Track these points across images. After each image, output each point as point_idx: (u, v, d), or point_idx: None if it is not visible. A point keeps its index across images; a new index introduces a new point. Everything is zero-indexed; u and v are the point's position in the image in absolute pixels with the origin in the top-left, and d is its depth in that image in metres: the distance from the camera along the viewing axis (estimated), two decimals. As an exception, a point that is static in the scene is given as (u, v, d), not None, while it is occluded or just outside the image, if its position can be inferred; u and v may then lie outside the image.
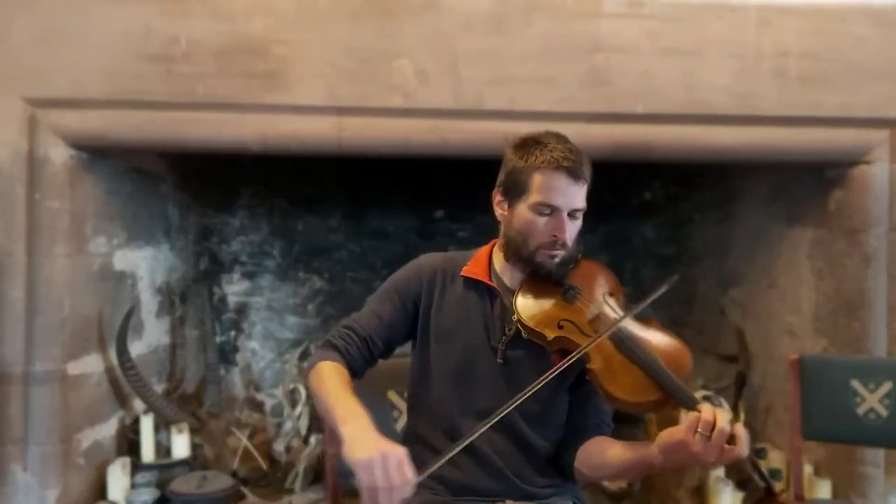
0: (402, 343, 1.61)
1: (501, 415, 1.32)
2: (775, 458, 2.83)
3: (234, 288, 3.50)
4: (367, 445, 1.22)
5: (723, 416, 1.25)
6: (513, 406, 1.33)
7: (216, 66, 2.41)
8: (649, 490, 2.87)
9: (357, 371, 1.52)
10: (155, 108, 2.43)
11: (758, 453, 2.79)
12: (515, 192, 1.50)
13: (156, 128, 2.45)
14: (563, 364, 1.36)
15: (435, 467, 1.29)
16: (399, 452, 1.21)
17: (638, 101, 2.49)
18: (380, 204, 3.52)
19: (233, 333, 3.50)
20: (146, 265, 3.09)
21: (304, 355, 3.41)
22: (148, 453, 2.81)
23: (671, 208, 3.60)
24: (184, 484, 2.69)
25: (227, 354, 3.47)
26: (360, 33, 2.44)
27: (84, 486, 2.63)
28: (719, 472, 2.70)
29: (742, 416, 3.03)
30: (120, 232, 2.85)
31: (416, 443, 1.56)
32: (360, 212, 3.54)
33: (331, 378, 1.42)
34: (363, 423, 1.28)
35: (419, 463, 1.51)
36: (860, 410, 2.03)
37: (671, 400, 1.37)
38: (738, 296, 3.30)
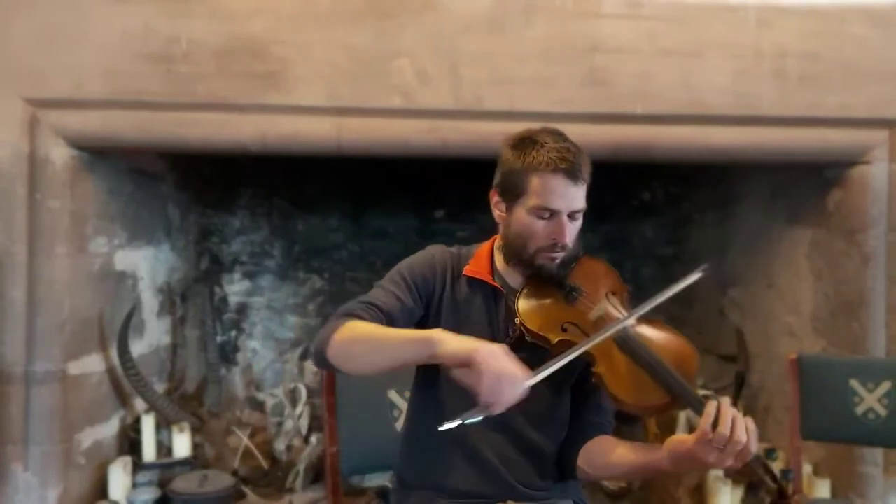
0: None
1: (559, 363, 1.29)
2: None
3: (234, 288, 3.51)
4: (470, 340, 1.22)
5: (737, 422, 1.21)
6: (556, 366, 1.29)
7: (216, 66, 2.41)
8: (649, 489, 2.87)
9: None
10: (155, 109, 2.43)
11: (769, 454, 2.77)
12: (513, 194, 1.45)
13: (156, 128, 2.46)
14: (564, 358, 1.30)
15: (551, 370, 1.27)
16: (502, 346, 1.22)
17: (637, 102, 2.49)
18: (380, 204, 3.53)
19: (233, 333, 3.50)
20: (147, 265, 3.09)
21: (305, 355, 3.41)
22: (149, 453, 2.81)
23: (671, 208, 3.60)
24: (185, 483, 2.69)
25: (227, 354, 3.47)
26: (360, 34, 2.44)
27: (85, 486, 2.64)
28: (718, 471, 2.70)
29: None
30: (120, 232, 2.86)
31: (416, 446, 1.53)
32: (360, 212, 3.54)
33: (373, 325, 1.37)
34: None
35: (419, 466, 1.51)
36: (859, 410, 2.03)
37: (678, 403, 1.35)
38: (737, 296, 3.30)
